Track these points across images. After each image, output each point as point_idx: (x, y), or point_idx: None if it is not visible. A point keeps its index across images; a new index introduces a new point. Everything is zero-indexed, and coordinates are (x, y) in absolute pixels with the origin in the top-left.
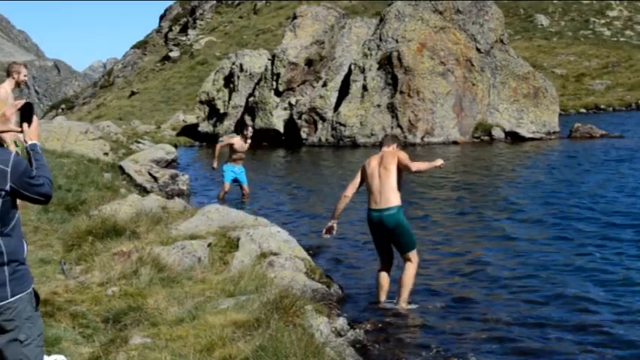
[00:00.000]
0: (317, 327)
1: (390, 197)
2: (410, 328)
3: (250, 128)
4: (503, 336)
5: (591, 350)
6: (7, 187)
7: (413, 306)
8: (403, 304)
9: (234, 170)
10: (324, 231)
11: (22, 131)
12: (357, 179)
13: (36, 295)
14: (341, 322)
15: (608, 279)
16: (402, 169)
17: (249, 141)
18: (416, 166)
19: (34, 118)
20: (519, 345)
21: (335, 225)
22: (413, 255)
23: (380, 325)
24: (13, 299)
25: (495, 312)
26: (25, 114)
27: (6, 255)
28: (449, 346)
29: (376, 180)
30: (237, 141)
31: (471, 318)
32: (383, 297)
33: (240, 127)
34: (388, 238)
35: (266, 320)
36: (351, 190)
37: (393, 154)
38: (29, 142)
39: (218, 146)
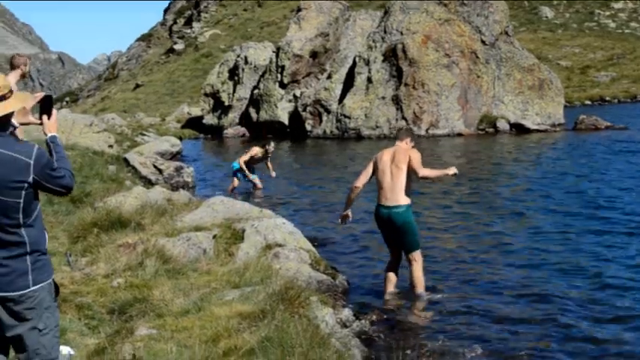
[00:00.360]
0: (322, 318)
1: (400, 195)
2: (415, 319)
3: (273, 143)
4: (506, 327)
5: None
6: (30, 179)
7: (433, 296)
8: (422, 301)
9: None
10: (339, 220)
11: (41, 123)
12: (369, 170)
13: (55, 285)
14: (346, 313)
15: (594, 276)
16: (410, 170)
17: (269, 156)
18: (424, 172)
19: (54, 111)
20: (523, 337)
21: (349, 213)
22: (417, 255)
23: (385, 316)
24: (34, 288)
25: (497, 306)
26: (45, 106)
27: (29, 245)
28: (454, 337)
29: (387, 177)
30: (257, 152)
31: (474, 308)
32: (390, 289)
33: (263, 143)
34: (394, 236)
35: (271, 311)
36: (361, 180)
37: (405, 152)
38: (49, 135)
39: (242, 162)
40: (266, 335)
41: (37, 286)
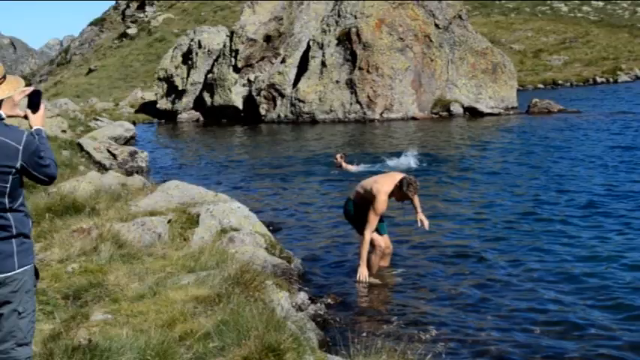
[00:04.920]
0: (278, 302)
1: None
2: (370, 302)
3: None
4: (460, 308)
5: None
6: (18, 165)
7: (390, 280)
8: (378, 285)
9: None
10: None
11: (26, 117)
12: None
13: (36, 270)
14: (302, 296)
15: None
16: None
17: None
18: (364, 237)
19: (42, 106)
20: (476, 316)
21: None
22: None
23: (340, 299)
24: (19, 270)
25: (449, 283)
26: (33, 100)
27: (14, 228)
28: (409, 319)
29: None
30: None
31: (429, 290)
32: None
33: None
34: None
35: (227, 295)
36: None
37: (373, 195)
38: (34, 127)
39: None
40: (222, 319)
41: (22, 269)
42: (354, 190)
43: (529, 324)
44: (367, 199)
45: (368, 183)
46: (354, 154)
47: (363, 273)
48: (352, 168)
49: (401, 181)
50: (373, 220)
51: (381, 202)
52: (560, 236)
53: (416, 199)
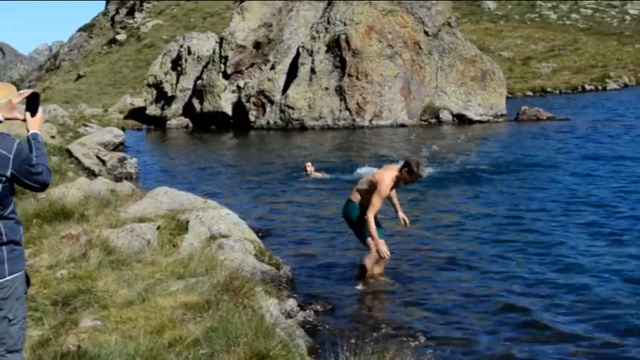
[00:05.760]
0: (267, 308)
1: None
2: (359, 309)
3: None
4: (449, 315)
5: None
6: (8, 173)
7: (377, 287)
8: (367, 292)
9: None
10: None
11: (24, 120)
12: None
13: (27, 277)
14: (291, 303)
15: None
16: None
17: None
18: (369, 213)
19: (39, 109)
20: (465, 324)
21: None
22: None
23: (330, 306)
24: (9, 278)
25: (438, 290)
26: (31, 103)
27: (5, 235)
28: (398, 325)
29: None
30: None
31: (418, 298)
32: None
33: None
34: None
35: (216, 302)
36: None
37: (377, 181)
38: (31, 131)
39: None
40: (211, 326)
41: (12, 276)
42: (354, 191)
43: (518, 332)
44: (371, 192)
45: (367, 178)
46: (343, 161)
47: (382, 249)
48: (319, 175)
49: (408, 165)
50: (377, 202)
51: (386, 186)
52: (547, 245)
53: (395, 199)
